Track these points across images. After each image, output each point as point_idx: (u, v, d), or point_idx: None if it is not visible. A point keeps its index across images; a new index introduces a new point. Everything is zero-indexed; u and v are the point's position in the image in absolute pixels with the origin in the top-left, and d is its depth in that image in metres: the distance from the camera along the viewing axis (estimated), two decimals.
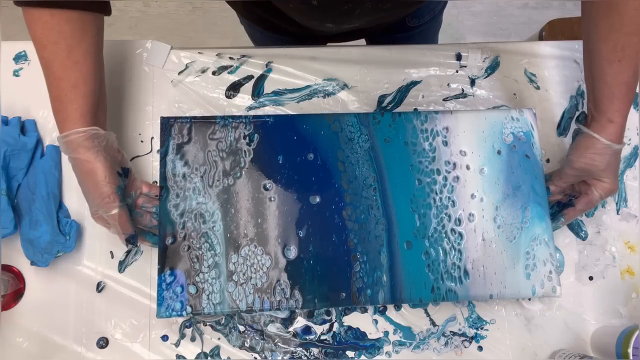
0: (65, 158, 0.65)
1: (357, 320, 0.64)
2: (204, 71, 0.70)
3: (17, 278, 0.62)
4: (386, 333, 0.63)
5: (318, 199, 0.59)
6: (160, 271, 0.56)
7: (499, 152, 0.62)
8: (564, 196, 0.65)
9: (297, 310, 0.62)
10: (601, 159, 0.59)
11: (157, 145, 0.66)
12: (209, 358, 0.62)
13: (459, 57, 0.72)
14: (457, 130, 0.62)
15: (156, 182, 0.65)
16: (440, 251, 0.59)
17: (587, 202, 0.62)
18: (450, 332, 0.64)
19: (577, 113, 0.71)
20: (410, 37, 0.86)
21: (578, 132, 0.62)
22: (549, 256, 0.60)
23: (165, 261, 0.57)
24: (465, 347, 0.63)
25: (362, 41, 0.91)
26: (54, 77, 0.54)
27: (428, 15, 0.83)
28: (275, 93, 0.70)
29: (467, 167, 0.61)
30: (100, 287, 0.63)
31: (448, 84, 0.72)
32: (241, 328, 0.63)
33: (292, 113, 0.69)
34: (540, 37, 1.16)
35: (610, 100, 0.58)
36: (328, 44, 0.78)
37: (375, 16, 0.65)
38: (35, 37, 0.54)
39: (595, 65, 0.59)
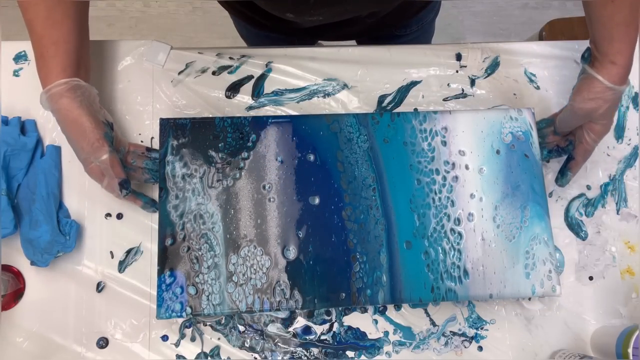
0: (65, 158, 0.65)
1: (357, 320, 0.64)
2: (204, 71, 0.70)
3: (17, 278, 0.63)
4: (386, 333, 0.63)
5: (317, 200, 0.59)
6: (160, 272, 0.56)
7: (498, 152, 0.62)
8: (562, 139, 0.65)
9: (297, 311, 0.62)
10: (602, 103, 0.57)
11: (157, 145, 0.66)
12: (209, 358, 0.62)
13: (459, 57, 0.72)
14: (456, 130, 0.62)
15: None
16: (440, 251, 0.59)
17: (584, 152, 0.62)
18: (450, 332, 0.64)
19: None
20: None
21: (582, 72, 0.60)
22: (549, 255, 0.60)
23: (165, 262, 0.57)
24: (465, 347, 0.63)
25: (361, 41, 0.91)
26: (37, 37, 0.56)
27: (416, 26, 0.82)
28: (275, 93, 0.70)
29: (466, 167, 0.61)
30: (100, 287, 0.63)
31: (448, 84, 0.71)
32: (241, 328, 0.63)
33: (292, 113, 0.69)
34: (540, 37, 1.16)
35: (609, 42, 0.56)
36: (326, 45, 0.78)
37: (338, 8, 0.62)
38: (21, 3, 0.55)
39: (590, 8, 0.56)
